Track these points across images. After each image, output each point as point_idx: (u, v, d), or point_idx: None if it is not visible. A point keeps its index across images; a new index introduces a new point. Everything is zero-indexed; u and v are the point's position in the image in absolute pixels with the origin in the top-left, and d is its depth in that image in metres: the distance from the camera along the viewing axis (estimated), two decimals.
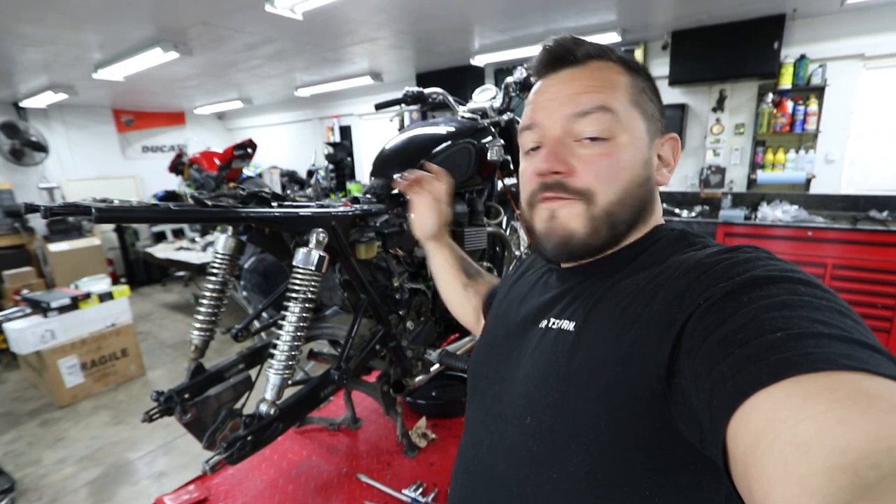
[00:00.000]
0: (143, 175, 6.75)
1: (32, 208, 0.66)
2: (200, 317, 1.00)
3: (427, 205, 0.89)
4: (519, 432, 0.53)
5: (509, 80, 1.51)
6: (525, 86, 1.47)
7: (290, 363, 0.84)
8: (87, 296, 3.13)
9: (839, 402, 0.28)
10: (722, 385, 0.34)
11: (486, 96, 1.68)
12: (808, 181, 3.44)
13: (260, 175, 6.46)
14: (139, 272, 5.87)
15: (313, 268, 0.84)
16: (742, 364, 0.33)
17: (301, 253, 0.84)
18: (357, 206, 1.04)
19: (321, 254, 0.85)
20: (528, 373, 0.55)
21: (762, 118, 3.48)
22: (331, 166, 6.28)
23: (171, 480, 2.24)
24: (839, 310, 0.35)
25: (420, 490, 1.15)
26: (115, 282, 4.86)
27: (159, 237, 5.84)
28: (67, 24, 2.77)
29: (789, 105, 3.37)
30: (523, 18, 3.27)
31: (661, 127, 0.59)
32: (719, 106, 3.72)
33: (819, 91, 3.27)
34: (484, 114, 1.62)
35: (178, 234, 5.72)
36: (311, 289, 0.85)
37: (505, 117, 1.59)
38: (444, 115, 1.66)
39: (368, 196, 1.20)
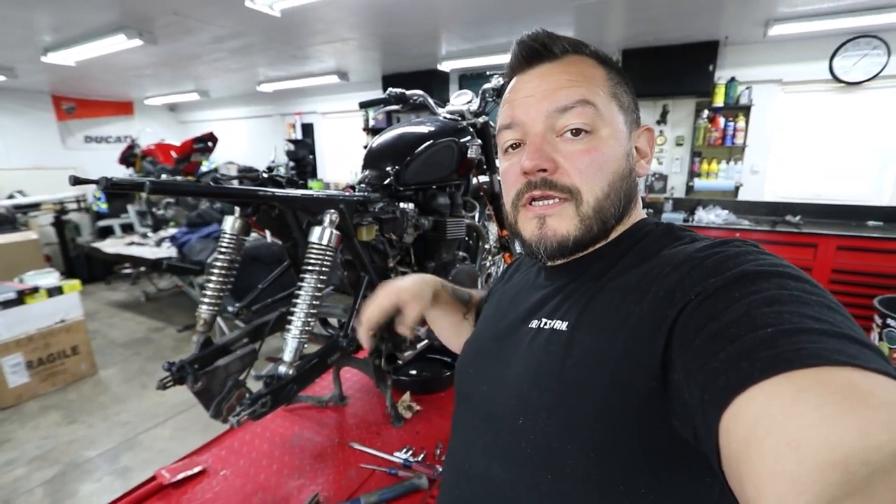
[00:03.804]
0: (85, 166, 6.35)
1: (82, 180, 0.73)
2: (209, 293, 1.07)
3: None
4: (512, 434, 0.52)
5: (487, 86, 1.67)
6: (501, 93, 1.63)
7: (307, 329, 0.93)
8: (35, 290, 2.97)
9: (830, 397, 0.28)
10: (714, 381, 0.34)
11: (462, 100, 1.83)
12: (737, 189, 3.87)
13: (216, 170, 6.27)
14: (80, 269, 5.50)
15: (327, 243, 0.95)
16: (734, 360, 0.33)
17: (317, 231, 0.94)
18: (358, 193, 1.15)
19: (335, 231, 0.95)
20: (519, 373, 0.54)
21: (699, 132, 3.88)
22: (291, 163, 6.22)
23: (139, 475, 2.19)
24: (828, 305, 0.36)
25: (410, 452, 1.26)
26: None
27: (105, 232, 5.52)
28: (16, 3, 2.62)
29: (721, 121, 3.79)
30: (488, 28, 3.46)
31: (636, 118, 0.59)
32: (663, 119, 4.10)
33: (746, 110, 3.71)
34: (462, 116, 1.77)
35: (128, 228, 5.44)
36: (325, 262, 0.95)
37: (480, 120, 1.74)
38: (410, 117, 1.78)
39: (364, 185, 1.31)
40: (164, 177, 4.87)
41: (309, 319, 0.93)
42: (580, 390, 0.46)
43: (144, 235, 4.89)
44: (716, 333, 0.36)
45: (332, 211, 0.97)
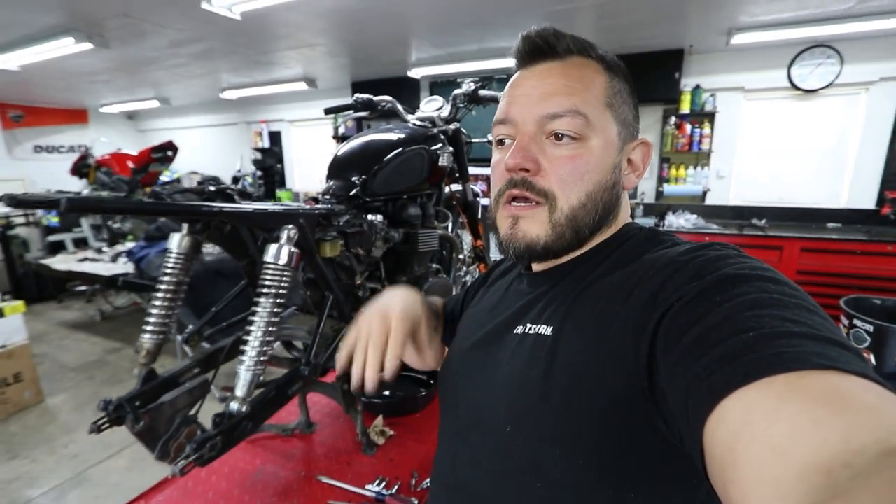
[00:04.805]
0: (34, 178, 5.98)
1: None
2: (152, 319, 0.96)
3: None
4: (499, 442, 0.52)
5: (457, 92, 1.61)
6: (473, 98, 1.58)
7: (262, 359, 0.84)
8: None
9: (812, 401, 0.28)
10: (697, 385, 0.34)
11: (433, 106, 1.77)
12: (704, 194, 3.95)
13: (178, 180, 6.01)
14: (29, 287, 5.13)
15: (284, 263, 0.85)
16: (716, 364, 0.33)
17: (272, 249, 0.85)
18: (320, 205, 1.06)
19: (292, 249, 0.86)
20: (505, 380, 0.54)
21: (667, 138, 3.95)
22: (259, 173, 6.03)
23: None
24: (807, 307, 0.36)
25: (383, 484, 1.17)
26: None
27: (56, 248, 5.18)
28: None
29: (688, 127, 3.87)
30: (459, 35, 3.43)
31: (633, 131, 0.59)
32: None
33: (711, 116, 3.80)
34: (432, 123, 1.70)
35: (81, 243, 5.12)
36: (283, 284, 0.85)
37: (452, 127, 1.68)
38: (380, 124, 1.70)
39: (328, 197, 1.22)
40: (90, 184, 4.51)
41: (264, 349, 0.84)
42: (567, 395, 0.46)
43: (99, 250, 4.61)
44: (698, 337, 0.36)
45: (290, 226, 0.88)
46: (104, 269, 3.97)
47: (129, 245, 4.35)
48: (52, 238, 5.18)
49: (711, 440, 0.32)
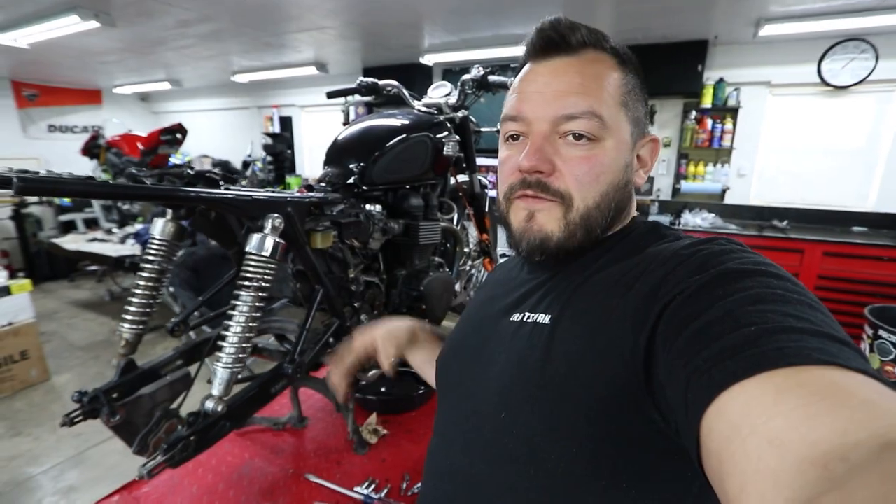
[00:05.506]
0: (48, 157, 6.01)
1: None
2: (132, 308, 0.92)
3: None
4: (494, 430, 0.51)
5: (466, 77, 1.53)
6: (482, 84, 1.50)
7: (241, 356, 0.78)
8: None
9: (811, 396, 0.28)
10: (697, 378, 0.34)
11: (440, 92, 1.69)
12: (724, 192, 3.81)
13: (189, 163, 6.01)
14: (41, 266, 5.20)
15: (268, 254, 0.80)
16: (717, 358, 0.33)
17: (255, 239, 0.79)
18: (313, 193, 1.00)
19: (277, 240, 0.80)
20: (502, 368, 0.54)
21: (686, 133, 3.81)
22: (269, 158, 5.99)
23: (84, 495, 2.01)
24: (809, 303, 0.36)
25: (372, 487, 1.12)
26: (12, 276, 4.28)
27: (68, 227, 5.23)
28: None
29: (709, 122, 3.72)
30: (473, 21, 3.32)
31: (644, 128, 0.58)
32: (650, 120, 4.02)
33: (734, 112, 3.64)
34: (439, 110, 1.62)
35: (92, 224, 5.15)
36: (266, 277, 0.80)
37: (460, 114, 1.60)
38: (385, 110, 1.62)
39: (323, 184, 1.16)
40: (100, 165, 4.46)
41: (244, 345, 0.79)
42: (563, 385, 0.46)
43: (109, 231, 4.63)
44: (699, 331, 0.36)
45: (276, 215, 0.82)
46: (112, 250, 3.99)
47: (139, 227, 4.36)
48: (64, 217, 5.22)
49: (709, 432, 0.32)
